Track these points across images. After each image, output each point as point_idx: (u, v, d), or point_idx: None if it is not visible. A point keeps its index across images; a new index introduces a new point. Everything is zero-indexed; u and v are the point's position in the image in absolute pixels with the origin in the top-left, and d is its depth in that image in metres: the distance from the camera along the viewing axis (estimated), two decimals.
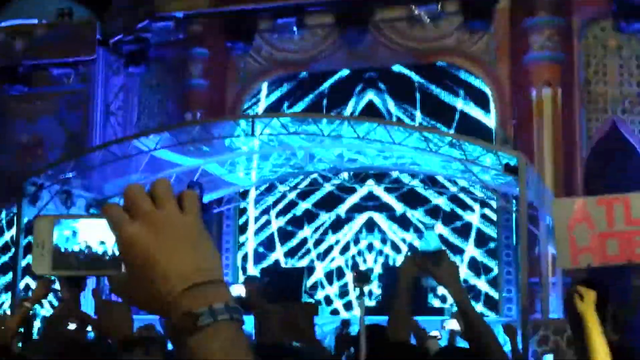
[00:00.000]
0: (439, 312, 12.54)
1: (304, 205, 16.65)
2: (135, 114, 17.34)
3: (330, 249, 16.40)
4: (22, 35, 17.98)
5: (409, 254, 3.08)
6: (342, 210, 16.42)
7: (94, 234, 1.03)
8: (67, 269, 1.03)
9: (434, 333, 7.46)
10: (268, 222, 16.90)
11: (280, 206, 16.84)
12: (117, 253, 0.99)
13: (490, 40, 15.65)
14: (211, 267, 0.98)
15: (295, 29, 16.53)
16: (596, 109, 15.05)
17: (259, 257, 16.79)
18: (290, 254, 16.63)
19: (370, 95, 16.55)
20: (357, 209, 16.32)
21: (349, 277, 15.15)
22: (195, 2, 16.66)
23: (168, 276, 0.95)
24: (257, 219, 17.01)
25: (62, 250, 1.02)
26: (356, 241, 16.36)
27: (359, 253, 16.29)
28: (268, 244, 16.85)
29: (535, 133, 14.62)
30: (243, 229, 16.99)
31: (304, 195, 16.59)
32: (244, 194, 16.86)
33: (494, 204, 15.32)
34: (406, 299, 2.88)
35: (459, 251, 15.46)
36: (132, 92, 17.40)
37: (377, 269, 15.64)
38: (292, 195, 16.66)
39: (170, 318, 0.96)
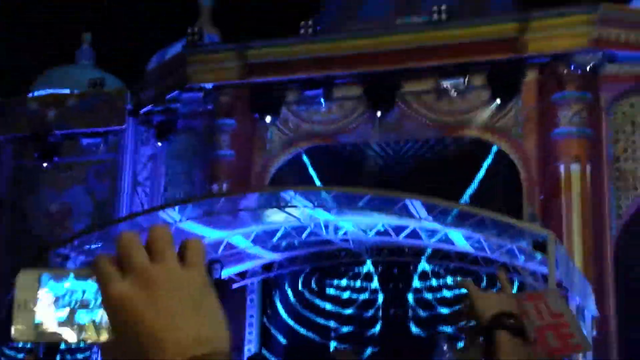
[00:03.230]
0: None
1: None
2: (162, 184, 17.41)
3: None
4: (54, 105, 18.27)
5: None
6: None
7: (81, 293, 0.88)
8: (51, 335, 0.87)
9: None
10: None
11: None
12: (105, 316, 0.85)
13: (517, 114, 15.58)
14: (214, 335, 0.83)
15: (322, 100, 16.59)
16: (626, 186, 14.82)
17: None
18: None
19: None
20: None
21: None
22: (224, 73, 16.84)
23: (162, 346, 0.80)
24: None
25: (45, 311, 0.87)
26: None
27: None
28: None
29: (563, 210, 14.38)
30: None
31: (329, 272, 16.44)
32: (269, 267, 16.65)
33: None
34: None
35: None
36: (160, 162, 17.51)
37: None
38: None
39: None
